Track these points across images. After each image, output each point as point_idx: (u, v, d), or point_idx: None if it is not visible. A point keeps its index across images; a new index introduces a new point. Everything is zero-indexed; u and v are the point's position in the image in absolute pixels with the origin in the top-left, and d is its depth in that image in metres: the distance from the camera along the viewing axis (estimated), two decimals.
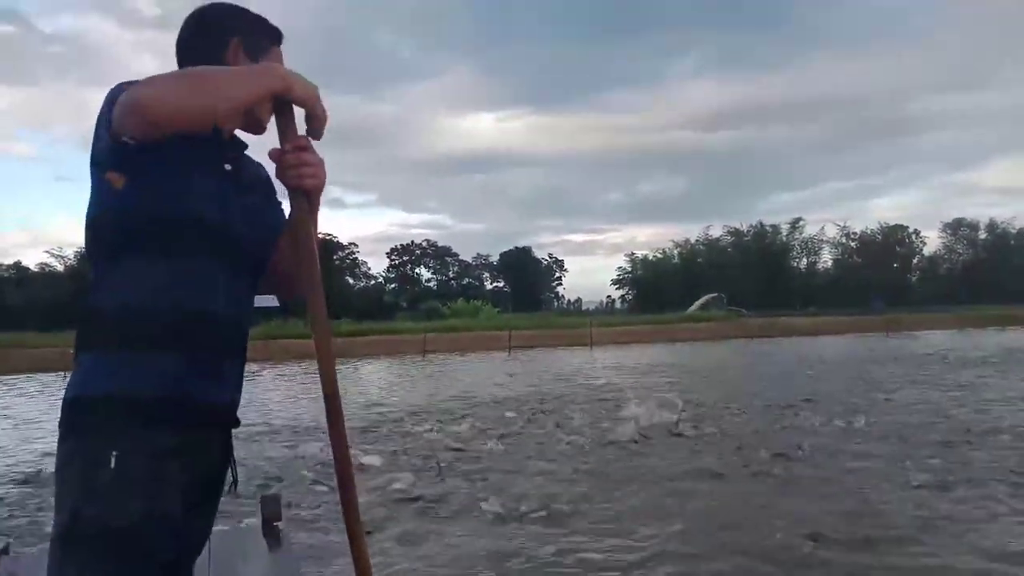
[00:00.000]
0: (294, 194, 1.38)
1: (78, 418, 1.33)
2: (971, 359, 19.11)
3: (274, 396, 14.23)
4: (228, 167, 1.47)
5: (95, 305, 1.37)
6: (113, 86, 1.37)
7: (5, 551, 2.88)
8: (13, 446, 9.75)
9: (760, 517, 5.35)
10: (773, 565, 4.42)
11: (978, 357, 19.63)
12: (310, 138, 1.39)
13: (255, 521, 3.22)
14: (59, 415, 1.35)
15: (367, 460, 7.59)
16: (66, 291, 50.02)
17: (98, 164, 1.36)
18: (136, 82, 1.29)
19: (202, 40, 1.53)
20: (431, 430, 9.89)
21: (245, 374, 1.53)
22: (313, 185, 1.39)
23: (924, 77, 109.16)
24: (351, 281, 77.50)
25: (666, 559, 4.59)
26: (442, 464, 7.55)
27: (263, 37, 1.56)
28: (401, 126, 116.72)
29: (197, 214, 1.37)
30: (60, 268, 61.43)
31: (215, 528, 4.71)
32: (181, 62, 1.53)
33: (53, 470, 1.35)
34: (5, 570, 2.66)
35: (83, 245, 1.44)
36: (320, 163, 1.40)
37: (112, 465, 1.28)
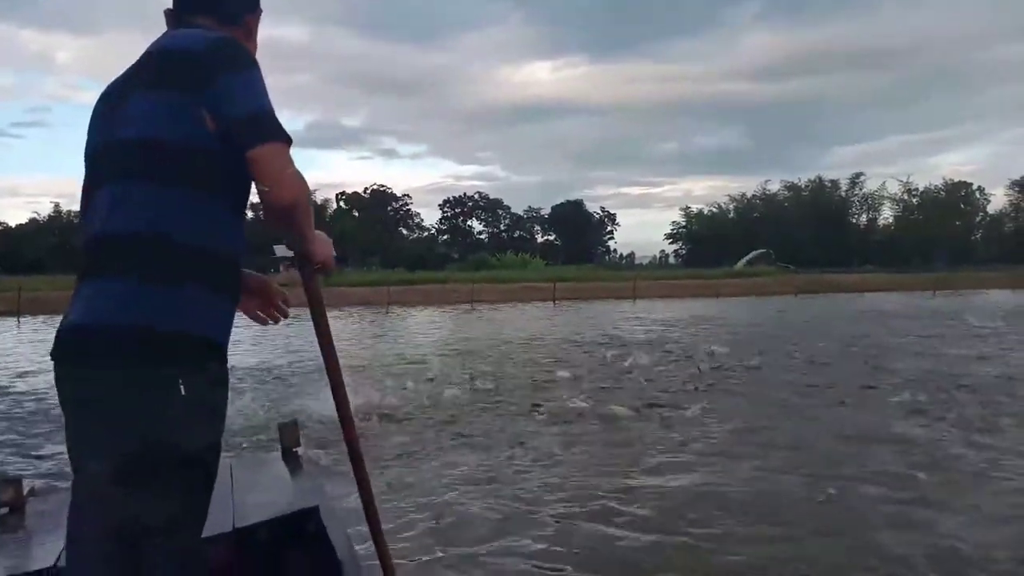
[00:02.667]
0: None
1: (142, 348, 1.32)
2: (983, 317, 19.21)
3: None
4: None
5: (206, 247, 1.40)
6: (251, 62, 1.47)
7: (32, 492, 2.87)
8: None
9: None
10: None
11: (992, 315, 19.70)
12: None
13: (275, 449, 3.28)
14: (95, 341, 1.34)
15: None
16: None
17: (194, 98, 1.39)
18: (286, 153, 1.41)
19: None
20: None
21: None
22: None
23: (998, 24, 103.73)
24: (404, 232, 79.23)
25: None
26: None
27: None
28: (456, 76, 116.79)
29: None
30: None
31: (235, 456, 5.12)
32: (200, 3, 1.60)
33: (78, 400, 1.38)
34: (34, 510, 2.64)
35: (141, 160, 1.40)
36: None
37: (183, 392, 1.33)
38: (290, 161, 1.40)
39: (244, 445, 6.19)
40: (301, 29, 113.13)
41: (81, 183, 1.51)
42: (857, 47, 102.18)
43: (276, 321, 1.77)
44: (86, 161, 1.50)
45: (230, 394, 1.54)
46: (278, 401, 8.41)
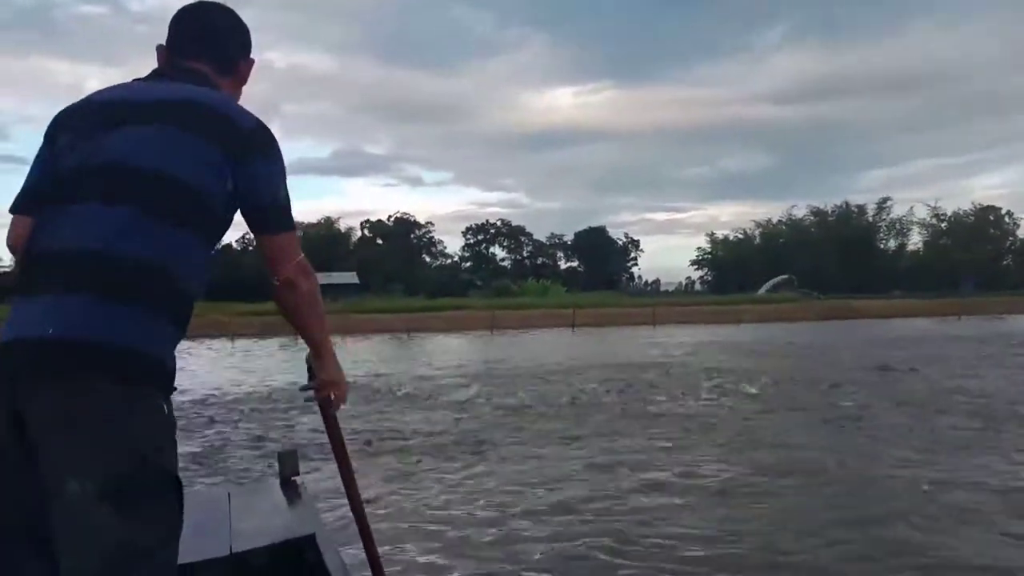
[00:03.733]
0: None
1: (138, 369, 1.36)
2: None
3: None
4: None
5: (189, 289, 1.46)
6: (281, 152, 1.57)
7: None
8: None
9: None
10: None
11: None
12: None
13: (274, 477, 3.32)
14: (90, 356, 1.32)
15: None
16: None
17: (229, 163, 1.46)
18: (300, 257, 1.56)
19: (235, 42, 1.70)
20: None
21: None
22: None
23: None
24: (427, 259, 79.88)
25: None
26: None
27: None
28: (479, 102, 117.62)
29: None
30: None
31: (234, 483, 5.27)
32: (198, 39, 1.64)
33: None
34: None
35: (168, 197, 1.43)
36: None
37: (165, 412, 1.39)
38: (299, 250, 1.57)
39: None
40: (326, 57, 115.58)
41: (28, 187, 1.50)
42: (886, 71, 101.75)
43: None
44: (67, 170, 1.45)
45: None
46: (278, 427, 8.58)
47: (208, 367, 14.55)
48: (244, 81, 1.73)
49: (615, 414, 8.76)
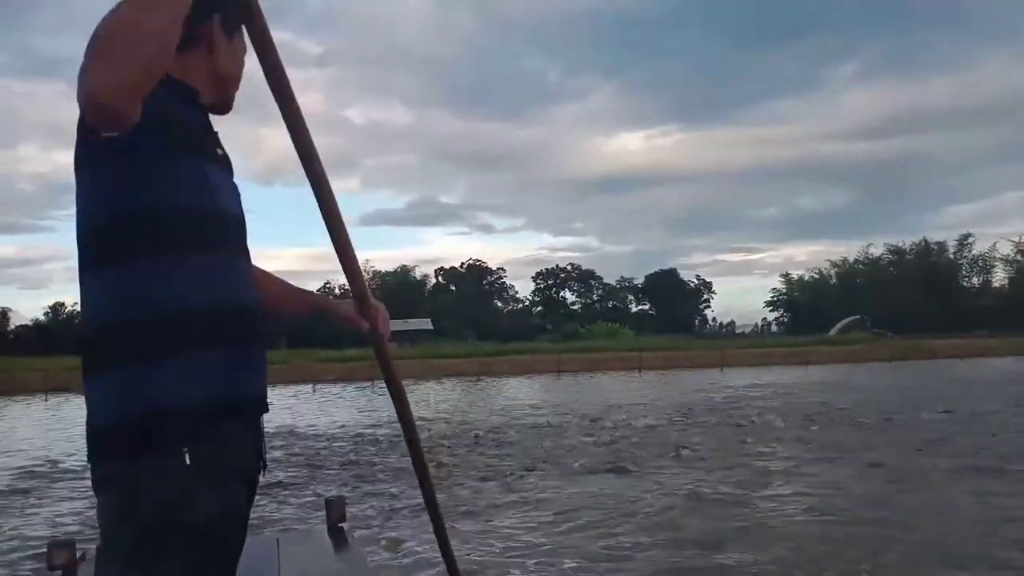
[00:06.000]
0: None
1: (132, 443, 1.22)
2: None
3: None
4: (220, 151, 1.40)
5: (118, 317, 1.24)
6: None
7: (82, 558, 2.94)
8: None
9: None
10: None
11: None
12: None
13: (321, 524, 3.36)
14: (92, 444, 1.25)
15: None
16: None
17: (86, 160, 1.24)
18: (96, 45, 1.02)
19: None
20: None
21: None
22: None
23: None
24: (499, 304, 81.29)
25: None
26: None
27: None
28: (549, 149, 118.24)
29: (215, 205, 1.32)
30: None
31: (283, 530, 5.23)
32: None
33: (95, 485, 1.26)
34: (86, 575, 2.72)
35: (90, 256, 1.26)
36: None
37: (188, 464, 1.23)
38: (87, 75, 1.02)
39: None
40: (402, 111, 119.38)
41: None
42: (963, 104, 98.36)
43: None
44: None
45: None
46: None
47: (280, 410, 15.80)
48: (214, 46, 1.38)
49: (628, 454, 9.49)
